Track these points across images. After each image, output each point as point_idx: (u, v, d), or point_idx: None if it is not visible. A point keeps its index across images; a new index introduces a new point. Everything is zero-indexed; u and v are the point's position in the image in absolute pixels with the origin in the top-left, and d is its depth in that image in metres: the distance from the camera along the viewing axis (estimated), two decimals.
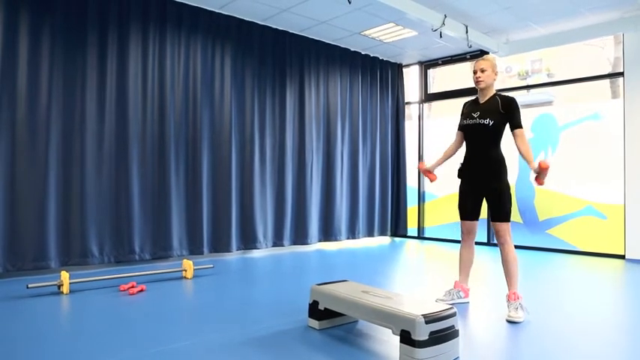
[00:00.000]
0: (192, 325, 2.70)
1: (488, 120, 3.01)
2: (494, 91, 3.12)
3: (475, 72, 3.09)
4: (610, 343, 2.49)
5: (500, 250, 3.05)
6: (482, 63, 3.08)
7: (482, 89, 3.11)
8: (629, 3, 4.88)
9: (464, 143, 3.25)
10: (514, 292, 2.93)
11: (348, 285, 2.75)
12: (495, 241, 3.13)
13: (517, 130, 2.99)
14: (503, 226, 3.00)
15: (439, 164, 3.39)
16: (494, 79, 3.11)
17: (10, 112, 3.94)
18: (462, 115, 3.25)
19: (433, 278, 4.23)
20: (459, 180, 3.26)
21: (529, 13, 5.21)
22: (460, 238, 3.32)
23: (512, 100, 3.03)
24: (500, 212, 3.00)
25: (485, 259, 5.22)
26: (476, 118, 3.07)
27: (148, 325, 2.69)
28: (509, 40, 6.10)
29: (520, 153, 2.99)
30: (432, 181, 3.40)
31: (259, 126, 5.56)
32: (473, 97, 3.24)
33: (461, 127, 3.23)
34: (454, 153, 3.35)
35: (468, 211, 3.21)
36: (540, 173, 2.83)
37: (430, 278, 4.25)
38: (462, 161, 3.22)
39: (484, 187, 3.08)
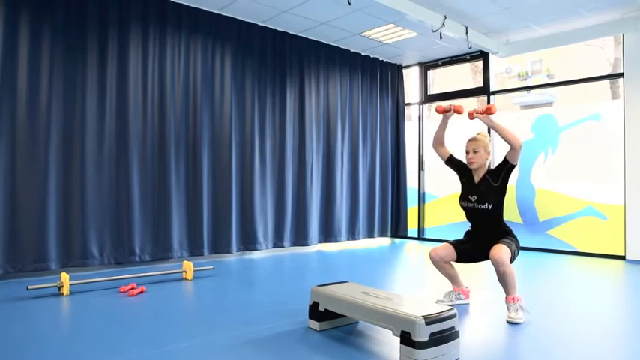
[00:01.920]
0: (192, 326, 2.69)
1: (487, 205, 2.96)
2: (487, 169, 3.09)
3: (467, 152, 3.06)
4: (610, 344, 2.49)
5: (497, 270, 2.85)
6: (473, 144, 3.04)
7: (475, 170, 3.08)
8: (628, 4, 4.88)
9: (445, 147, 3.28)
10: (513, 297, 2.91)
11: (349, 286, 2.75)
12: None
13: (507, 157, 2.92)
14: (504, 248, 2.84)
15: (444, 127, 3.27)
16: (487, 159, 3.07)
17: (10, 113, 3.94)
18: (457, 167, 3.20)
19: (433, 279, 4.22)
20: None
21: (529, 14, 5.21)
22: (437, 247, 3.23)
23: (495, 168, 2.99)
24: (504, 241, 2.90)
25: (485, 261, 5.21)
26: (474, 203, 3.03)
27: (148, 327, 2.68)
28: (509, 40, 6.10)
29: (506, 140, 2.86)
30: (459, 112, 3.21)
31: (259, 127, 5.56)
32: (469, 172, 3.12)
33: (460, 205, 3.13)
34: (439, 142, 3.29)
35: (461, 247, 3.15)
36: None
37: (430, 279, 4.25)
38: (468, 230, 3.22)
39: (490, 247, 2.96)
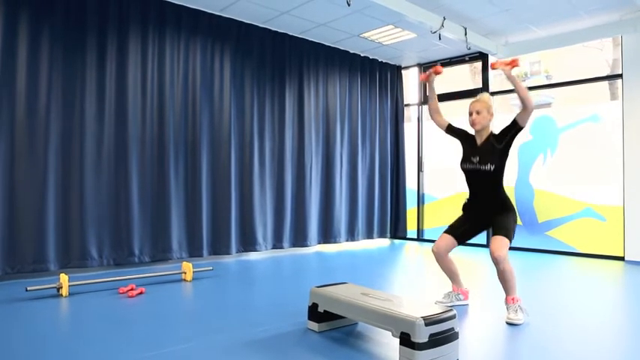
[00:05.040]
0: (191, 328, 2.69)
1: (489, 165, 2.96)
2: (490, 131, 3.07)
3: (470, 113, 3.06)
4: (610, 345, 2.49)
5: (497, 267, 2.87)
6: (476, 105, 3.04)
7: (478, 131, 3.07)
8: (627, 5, 4.89)
9: (445, 123, 3.28)
10: (512, 297, 2.92)
11: (348, 287, 2.75)
12: None
13: (517, 118, 2.91)
14: (503, 241, 2.85)
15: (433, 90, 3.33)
16: (490, 120, 3.05)
17: (9, 115, 3.93)
18: (458, 134, 3.21)
19: (433, 280, 4.22)
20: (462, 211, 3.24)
21: (528, 16, 5.22)
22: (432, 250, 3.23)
23: (502, 129, 2.99)
24: (503, 227, 2.90)
25: (485, 261, 5.21)
26: (476, 164, 3.02)
27: (147, 328, 2.68)
28: (508, 42, 6.11)
29: (520, 97, 2.86)
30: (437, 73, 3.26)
31: (259, 128, 5.56)
32: (472, 133, 3.15)
33: (462, 167, 3.13)
34: (435, 110, 3.31)
35: (459, 231, 3.16)
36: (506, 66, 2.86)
37: (430, 280, 4.25)
38: (466, 198, 3.20)
39: (488, 218, 3.03)
